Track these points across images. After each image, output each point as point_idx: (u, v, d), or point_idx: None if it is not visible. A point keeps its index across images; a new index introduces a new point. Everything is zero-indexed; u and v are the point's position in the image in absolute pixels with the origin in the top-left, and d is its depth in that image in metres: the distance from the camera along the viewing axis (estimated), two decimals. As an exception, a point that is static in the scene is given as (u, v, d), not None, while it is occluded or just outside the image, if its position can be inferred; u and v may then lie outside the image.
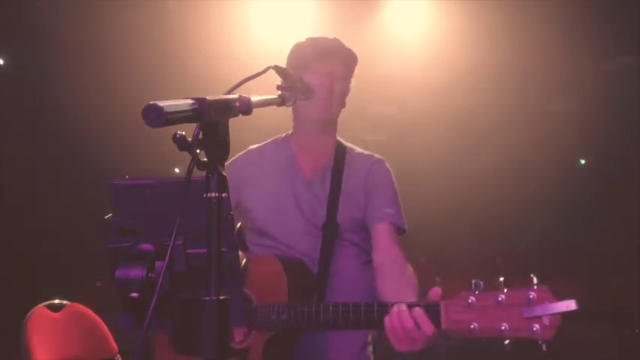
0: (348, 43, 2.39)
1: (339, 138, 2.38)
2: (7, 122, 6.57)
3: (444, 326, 1.64)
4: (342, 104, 2.32)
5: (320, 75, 2.20)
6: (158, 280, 1.16)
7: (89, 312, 2.79)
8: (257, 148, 2.39)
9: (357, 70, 2.44)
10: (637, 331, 6.20)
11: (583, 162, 8.11)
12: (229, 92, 1.30)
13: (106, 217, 1.27)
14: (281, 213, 2.20)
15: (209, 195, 1.14)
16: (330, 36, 2.41)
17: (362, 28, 6.07)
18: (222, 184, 1.15)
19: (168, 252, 1.16)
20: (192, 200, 1.15)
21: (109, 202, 1.27)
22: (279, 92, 1.56)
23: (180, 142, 1.11)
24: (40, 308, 2.63)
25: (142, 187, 1.26)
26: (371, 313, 1.78)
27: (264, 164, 2.30)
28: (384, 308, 1.75)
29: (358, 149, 2.37)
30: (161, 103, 1.06)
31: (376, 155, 2.35)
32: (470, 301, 1.59)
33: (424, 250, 7.60)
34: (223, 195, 1.15)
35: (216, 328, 1.11)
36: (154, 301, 1.13)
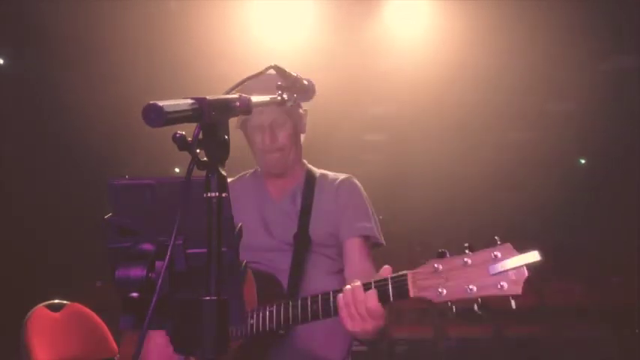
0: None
1: (309, 166, 2.42)
2: (7, 122, 6.58)
3: (411, 294, 1.65)
4: (298, 145, 2.33)
5: (260, 131, 2.23)
6: (158, 280, 1.16)
7: (89, 312, 2.79)
8: (230, 181, 2.39)
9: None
10: (637, 331, 6.20)
11: (583, 162, 8.11)
12: (229, 92, 1.30)
13: (106, 217, 1.27)
14: (252, 234, 2.17)
15: (209, 195, 1.14)
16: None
17: (362, 28, 6.07)
18: (222, 184, 1.15)
19: (169, 252, 1.15)
20: (192, 200, 1.15)
21: (109, 202, 1.27)
22: (279, 92, 1.56)
23: (180, 142, 1.11)
24: (40, 308, 2.63)
25: (142, 187, 1.26)
26: (327, 300, 1.80)
27: (238, 193, 2.29)
28: (338, 292, 1.77)
29: (328, 172, 2.41)
30: (161, 103, 1.06)
31: (343, 175, 2.39)
32: (436, 266, 1.62)
33: (423, 249, 7.60)
34: (223, 195, 1.15)
35: (216, 328, 1.11)
36: (154, 301, 1.13)
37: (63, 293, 2.86)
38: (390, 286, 1.68)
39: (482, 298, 1.56)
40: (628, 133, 6.84)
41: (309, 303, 1.84)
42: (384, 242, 2.28)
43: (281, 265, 2.18)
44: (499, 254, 1.57)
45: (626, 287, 6.53)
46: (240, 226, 1.26)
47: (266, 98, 1.46)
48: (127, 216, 1.26)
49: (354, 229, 2.23)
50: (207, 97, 1.16)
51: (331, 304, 1.79)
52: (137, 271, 1.21)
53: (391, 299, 1.68)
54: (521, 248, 2.31)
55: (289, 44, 5.95)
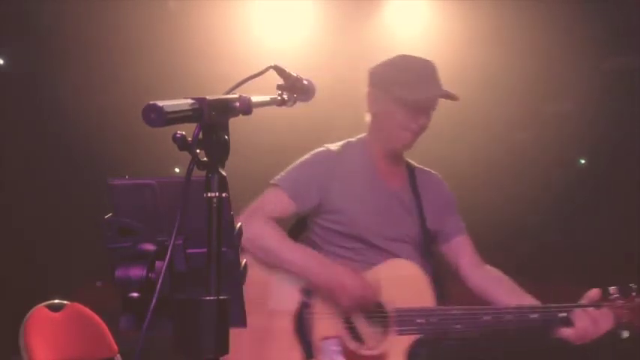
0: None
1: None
2: (7, 122, 6.58)
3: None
4: None
5: (427, 114, 2.20)
6: (158, 280, 1.16)
7: (89, 312, 2.79)
8: (337, 148, 2.31)
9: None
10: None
11: (583, 162, 8.11)
12: (229, 92, 1.30)
13: (106, 217, 1.27)
14: (373, 219, 2.17)
15: (209, 195, 1.14)
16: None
17: (362, 28, 6.07)
18: (223, 184, 1.16)
19: (169, 252, 1.16)
20: (192, 200, 1.15)
21: (109, 202, 1.27)
22: (279, 92, 1.56)
23: (180, 142, 1.11)
24: (40, 308, 2.63)
25: (142, 187, 1.26)
26: (548, 315, 1.93)
27: (349, 168, 2.23)
28: (568, 308, 1.94)
29: (419, 165, 2.40)
30: (161, 103, 1.06)
31: (432, 170, 2.43)
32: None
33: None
34: (223, 195, 1.15)
35: (216, 328, 1.11)
36: (154, 301, 1.13)
37: (63, 293, 2.86)
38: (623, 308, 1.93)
39: None
40: (628, 133, 6.84)
41: (525, 312, 1.93)
42: None
43: (405, 258, 2.17)
44: None
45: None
46: (241, 226, 1.26)
47: (266, 98, 1.46)
48: (127, 216, 1.27)
49: (461, 228, 2.32)
50: (207, 97, 1.16)
51: (553, 319, 1.92)
52: (137, 271, 1.21)
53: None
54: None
55: (289, 44, 5.95)
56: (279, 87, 1.57)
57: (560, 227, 7.29)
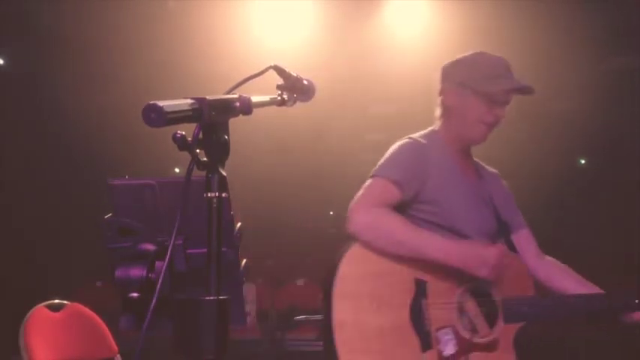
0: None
1: None
2: (7, 122, 6.58)
3: None
4: None
5: (503, 107, 2.24)
6: (158, 280, 1.16)
7: (89, 312, 2.79)
8: (423, 140, 2.26)
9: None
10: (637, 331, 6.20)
11: (583, 162, 8.11)
12: (229, 92, 1.30)
13: (106, 217, 1.27)
14: (467, 211, 2.18)
15: (209, 195, 1.14)
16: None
17: (362, 28, 6.07)
18: (223, 184, 1.15)
19: (169, 252, 1.15)
20: (192, 200, 1.15)
21: (109, 202, 1.27)
22: (279, 92, 1.56)
23: (180, 142, 1.11)
24: (40, 308, 2.63)
25: (142, 187, 1.26)
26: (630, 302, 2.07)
27: (435, 159, 2.19)
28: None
29: (478, 161, 2.43)
30: (161, 103, 1.06)
31: (491, 168, 2.46)
32: None
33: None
34: (223, 195, 1.15)
35: (216, 328, 1.11)
36: (154, 301, 1.13)
37: (63, 293, 2.86)
38: None
39: None
40: (628, 133, 6.84)
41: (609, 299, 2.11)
42: None
43: None
44: None
45: (627, 287, 6.51)
46: (240, 226, 1.26)
47: (266, 98, 1.46)
48: (127, 216, 1.27)
49: (523, 221, 2.36)
50: (207, 97, 1.16)
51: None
52: (137, 271, 1.21)
53: None
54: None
55: (289, 44, 5.95)
56: (279, 87, 1.57)
57: (560, 227, 7.30)
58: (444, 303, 2.02)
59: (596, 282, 2.28)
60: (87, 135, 6.65)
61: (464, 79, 2.23)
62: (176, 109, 1.09)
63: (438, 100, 2.33)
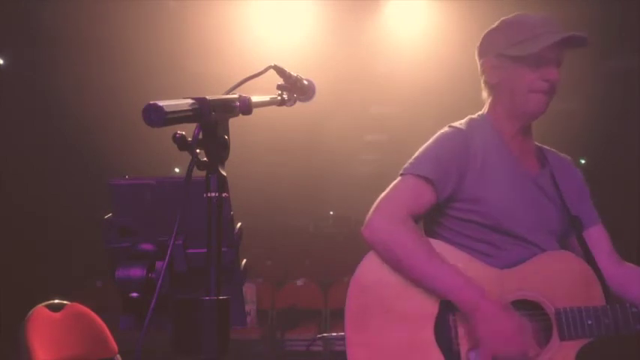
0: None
1: None
2: (7, 122, 6.57)
3: None
4: None
5: (554, 68, 1.93)
6: (158, 280, 1.16)
7: (89, 312, 2.79)
8: (466, 130, 1.96)
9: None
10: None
11: (583, 162, 8.11)
12: (229, 92, 1.30)
13: (106, 217, 1.27)
14: (521, 210, 1.86)
15: (209, 195, 1.14)
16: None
17: (362, 28, 6.07)
18: (223, 184, 1.15)
19: (169, 252, 1.15)
20: (192, 200, 1.14)
21: (109, 202, 1.27)
22: (279, 92, 1.56)
23: (180, 142, 1.11)
24: (40, 308, 2.63)
25: (142, 187, 1.26)
26: None
27: (479, 149, 1.89)
28: None
29: (545, 147, 2.11)
30: (161, 103, 1.06)
31: (563, 154, 2.12)
32: None
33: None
34: (223, 195, 1.15)
35: (216, 328, 1.11)
36: (154, 301, 1.13)
37: (63, 293, 2.86)
38: None
39: None
40: (628, 133, 6.84)
41: None
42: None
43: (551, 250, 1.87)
44: None
45: None
46: (241, 226, 1.25)
47: (266, 98, 1.46)
48: (127, 216, 1.27)
49: (596, 216, 2.02)
50: (207, 97, 1.16)
51: None
52: (137, 271, 1.21)
53: None
54: None
55: (289, 44, 5.95)
56: (279, 87, 1.57)
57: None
58: None
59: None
60: (87, 135, 6.65)
61: (500, 48, 1.95)
62: (176, 109, 1.09)
63: (482, 80, 2.03)
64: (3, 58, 6.79)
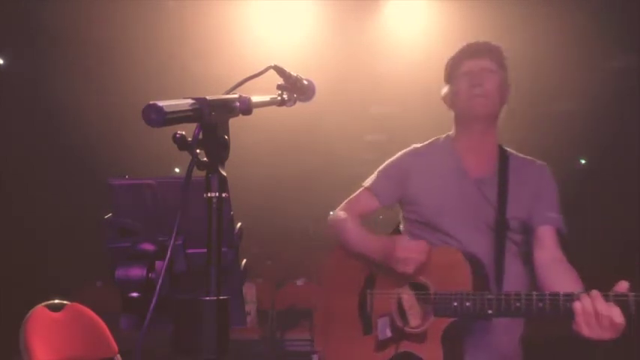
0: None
1: (500, 143, 2.41)
2: (7, 122, 6.58)
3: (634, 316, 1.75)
4: (502, 99, 2.33)
5: (472, 73, 2.28)
6: (158, 280, 1.16)
7: (89, 312, 2.79)
8: (422, 146, 2.47)
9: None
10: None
11: (583, 162, 8.11)
12: (229, 92, 1.30)
13: (106, 217, 1.27)
14: (448, 208, 2.27)
15: (209, 195, 1.14)
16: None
17: (362, 28, 6.08)
18: (223, 184, 1.15)
19: (169, 252, 1.15)
20: (192, 200, 1.14)
21: (109, 202, 1.27)
22: (279, 92, 1.56)
23: (180, 142, 1.11)
24: (40, 308, 2.63)
25: (142, 187, 1.26)
26: (556, 302, 1.87)
27: (430, 162, 2.37)
28: (570, 297, 1.85)
29: (519, 154, 2.41)
30: (161, 103, 1.06)
31: (539, 161, 2.40)
32: None
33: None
34: (224, 195, 1.15)
35: (216, 328, 1.11)
36: (154, 301, 1.13)
37: (63, 293, 2.86)
38: (631, 303, 1.78)
39: None
40: (628, 133, 6.84)
41: (534, 299, 1.92)
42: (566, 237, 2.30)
43: (480, 248, 2.21)
44: None
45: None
46: (241, 226, 1.25)
47: (266, 98, 1.46)
48: (127, 216, 1.27)
49: (547, 218, 2.25)
50: (207, 97, 1.16)
51: (560, 307, 1.87)
52: (137, 271, 1.21)
53: (632, 316, 1.78)
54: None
55: (289, 44, 5.95)
56: (279, 87, 1.57)
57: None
58: (386, 294, 2.24)
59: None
60: (87, 135, 6.66)
61: (446, 74, 2.42)
62: (176, 109, 1.09)
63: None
64: (3, 58, 6.79)
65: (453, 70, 2.35)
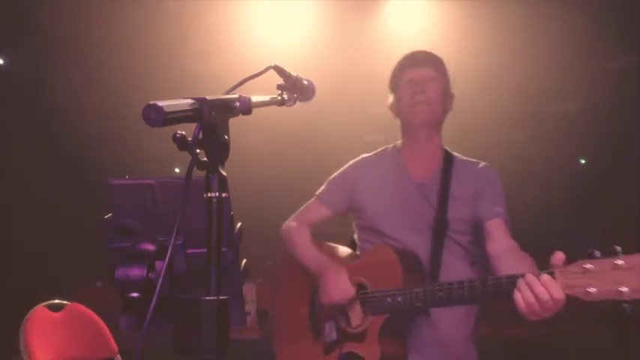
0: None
1: (447, 148, 2.48)
2: (7, 122, 6.57)
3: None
4: (445, 107, 2.42)
5: (414, 81, 2.38)
6: (158, 280, 1.16)
7: (89, 312, 2.79)
8: (369, 156, 2.56)
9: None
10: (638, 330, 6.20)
11: (583, 162, 8.11)
12: (229, 92, 1.30)
13: (106, 217, 1.27)
14: (391, 212, 2.34)
15: (209, 195, 1.14)
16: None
17: (362, 28, 6.07)
18: (223, 184, 1.15)
19: (169, 252, 1.15)
20: (192, 200, 1.15)
21: (109, 202, 1.27)
22: (279, 92, 1.56)
23: (180, 142, 1.11)
24: (40, 308, 2.63)
25: (142, 187, 1.26)
26: (499, 285, 1.85)
27: (376, 169, 2.46)
28: (513, 279, 1.80)
29: (464, 157, 2.47)
30: (161, 103, 1.06)
31: (483, 162, 2.46)
32: (586, 267, 1.66)
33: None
34: (224, 195, 1.15)
35: (216, 328, 1.11)
36: (154, 301, 1.13)
37: (63, 293, 2.86)
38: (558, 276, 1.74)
39: (633, 300, 1.59)
40: (628, 133, 6.84)
41: (454, 287, 1.96)
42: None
43: (419, 247, 2.27)
44: None
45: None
46: (241, 226, 1.25)
47: (266, 98, 1.46)
48: (126, 216, 1.27)
49: (493, 212, 2.26)
50: (207, 97, 1.16)
51: (504, 288, 1.82)
52: (137, 271, 1.21)
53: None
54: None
55: (289, 44, 5.95)
56: (279, 87, 1.57)
57: (560, 227, 7.30)
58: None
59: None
60: (87, 135, 6.65)
61: (390, 84, 2.56)
62: (176, 109, 1.09)
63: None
64: (3, 58, 6.79)
65: (397, 78, 2.46)
